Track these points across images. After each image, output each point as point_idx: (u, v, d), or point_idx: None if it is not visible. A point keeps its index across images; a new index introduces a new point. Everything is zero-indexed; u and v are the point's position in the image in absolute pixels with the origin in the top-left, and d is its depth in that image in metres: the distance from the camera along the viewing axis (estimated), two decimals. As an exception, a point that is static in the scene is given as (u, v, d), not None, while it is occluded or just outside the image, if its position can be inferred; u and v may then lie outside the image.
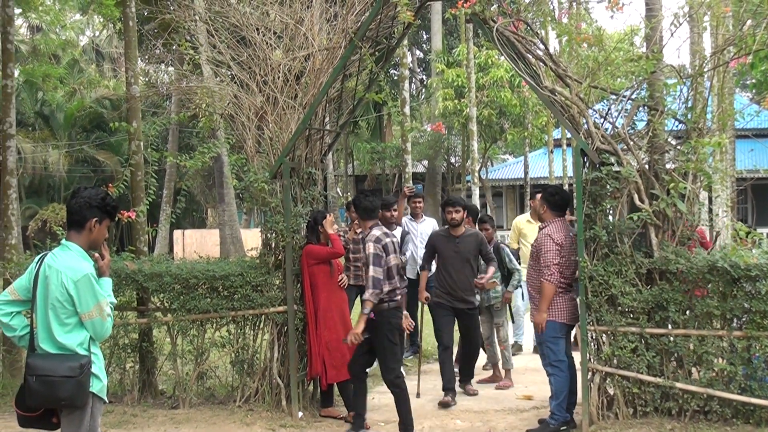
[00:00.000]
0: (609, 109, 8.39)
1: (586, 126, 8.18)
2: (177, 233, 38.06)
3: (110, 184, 9.88)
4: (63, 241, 5.29)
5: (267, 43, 9.44)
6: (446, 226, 9.94)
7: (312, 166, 9.56)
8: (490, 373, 10.87)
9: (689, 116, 8.14)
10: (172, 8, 11.70)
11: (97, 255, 5.37)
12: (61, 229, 8.51)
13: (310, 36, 9.43)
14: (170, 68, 32.07)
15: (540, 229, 8.39)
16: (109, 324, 5.16)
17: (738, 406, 7.69)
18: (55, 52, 41.82)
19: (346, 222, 10.42)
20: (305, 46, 9.46)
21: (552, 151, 28.28)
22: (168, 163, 30.42)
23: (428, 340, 12.26)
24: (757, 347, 7.61)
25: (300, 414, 8.83)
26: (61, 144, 36.83)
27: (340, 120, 10.53)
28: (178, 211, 18.76)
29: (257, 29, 9.48)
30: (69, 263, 5.09)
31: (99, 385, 5.16)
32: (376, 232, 7.97)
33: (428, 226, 12.00)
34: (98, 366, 5.18)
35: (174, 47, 11.76)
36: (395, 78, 30.42)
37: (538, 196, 8.75)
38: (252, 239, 31.49)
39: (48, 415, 5.19)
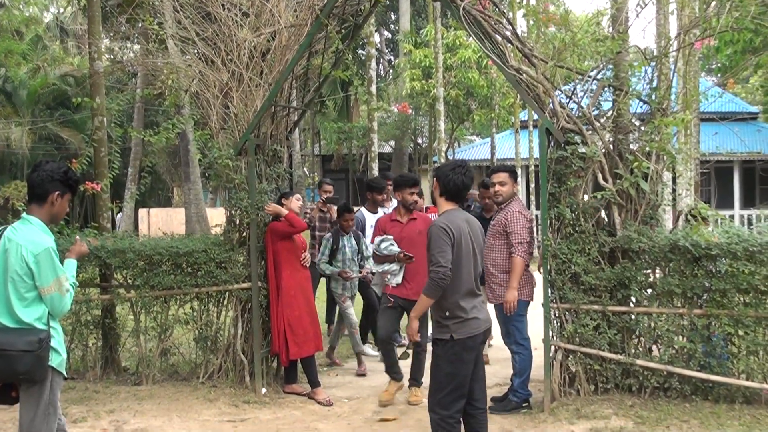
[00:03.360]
0: (574, 89, 8.43)
1: (551, 105, 8.20)
2: (142, 212, 37.73)
3: (73, 160, 9.77)
4: (24, 215, 5.23)
5: (233, 20, 9.36)
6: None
7: (277, 144, 9.51)
8: None
9: (654, 97, 8.19)
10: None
11: (78, 237, 5.35)
12: (23, 205, 8.42)
13: (276, 13, 9.36)
14: (136, 46, 31.75)
15: (501, 208, 8.40)
16: (68, 300, 5.11)
17: (697, 383, 7.80)
18: (18, 28, 41.13)
19: (312, 201, 10.22)
20: (271, 23, 9.38)
21: (518, 132, 28.32)
22: (133, 140, 30.17)
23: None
24: (717, 325, 7.72)
25: (263, 390, 8.82)
26: (24, 121, 36.31)
27: (305, 97, 10.48)
28: (142, 189, 18.58)
29: (223, 5, 9.38)
30: (30, 237, 5.04)
31: (58, 359, 5.11)
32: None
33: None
34: (57, 340, 5.13)
35: (139, 24, 11.62)
36: (362, 58, 30.28)
37: (504, 175, 8.48)
38: (218, 218, 31.24)
39: (6, 389, 5.14)
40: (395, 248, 8.45)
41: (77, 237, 5.62)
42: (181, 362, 9.69)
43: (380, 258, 8.59)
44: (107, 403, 8.60)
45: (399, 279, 8.50)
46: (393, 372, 8.73)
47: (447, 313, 5.95)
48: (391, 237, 8.55)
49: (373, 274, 10.00)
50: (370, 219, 10.55)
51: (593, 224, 8.10)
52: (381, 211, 10.74)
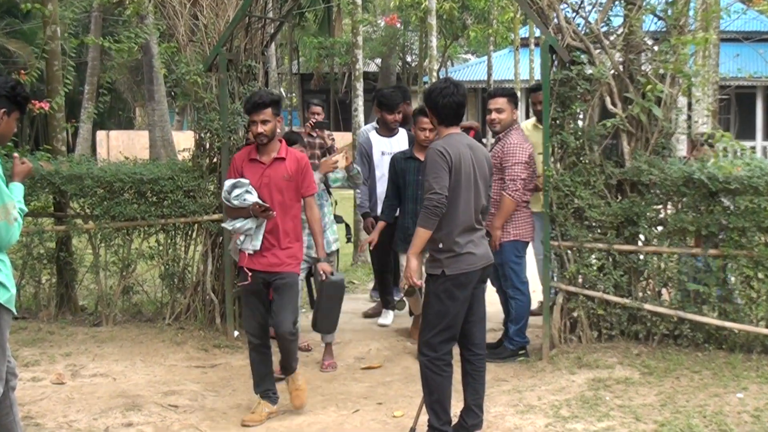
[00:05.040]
0: (582, 2, 8.32)
1: (556, 20, 8.11)
2: (101, 134, 37.45)
3: (22, 71, 9.63)
4: (-37, 135, 5.14)
5: None
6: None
7: (252, 59, 9.39)
8: None
9: (670, 12, 8.09)
10: None
11: (17, 155, 5.26)
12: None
13: None
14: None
15: (499, 138, 8.31)
16: (16, 229, 5.04)
17: (711, 330, 7.84)
18: None
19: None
20: None
21: (518, 50, 28.13)
22: (90, 54, 29.80)
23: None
24: (734, 267, 7.74)
25: (236, 333, 8.83)
26: (-35, 31, 35.83)
27: (283, 7, 10.34)
28: (101, 109, 18.38)
29: None
30: (-29, 160, 4.95)
31: (6, 295, 5.06)
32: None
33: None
34: (5, 274, 5.07)
35: None
36: (347, -36, 29.92)
37: (502, 100, 8.28)
38: (185, 142, 31.01)
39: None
40: (252, 197, 6.78)
41: (15, 155, 5.48)
42: (145, 301, 9.71)
43: (231, 210, 6.92)
44: (63, 345, 8.62)
45: (257, 243, 6.86)
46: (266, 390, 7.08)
47: (440, 245, 5.94)
48: (246, 181, 6.84)
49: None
50: (381, 145, 9.56)
51: (599, 154, 8.07)
52: (395, 138, 9.57)
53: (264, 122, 6.73)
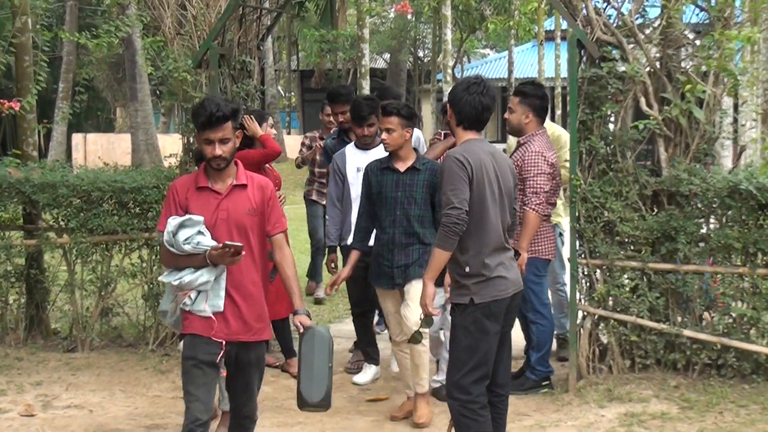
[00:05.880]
0: (614, -9, 8.34)
1: (585, 12, 8.11)
2: (77, 137, 37.52)
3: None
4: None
5: None
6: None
7: (246, 54, 9.43)
8: None
9: (713, 2, 8.10)
10: None
11: None
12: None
13: None
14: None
15: (520, 143, 8.26)
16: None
17: (759, 359, 7.81)
18: None
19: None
20: None
21: (542, 44, 28.21)
22: (65, 48, 29.89)
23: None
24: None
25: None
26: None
27: (281, -3, 10.39)
28: (77, 109, 18.39)
29: None
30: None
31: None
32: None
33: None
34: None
35: None
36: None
37: (515, 99, 8.26)
38: (172, 147, 31.08)
39: None
40: (206, 239, 5.58)
41: None
42: (126, 324, 9.69)
43: (176, 258, 5.63)
44: (33, 373, 8.62)
45: (219, 302, 5.60)
46: None
47: (467, 269, 5.78)
48: (200, 219, 5.62)
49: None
50: (357, 159, 8.59)
51: (633, 161, 8.06)
52: (374, 152, 8.48)
53: (223, 141, 5.58)
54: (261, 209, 5.76)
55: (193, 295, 5.55)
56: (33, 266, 9.62)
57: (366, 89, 16.01)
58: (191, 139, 9.13)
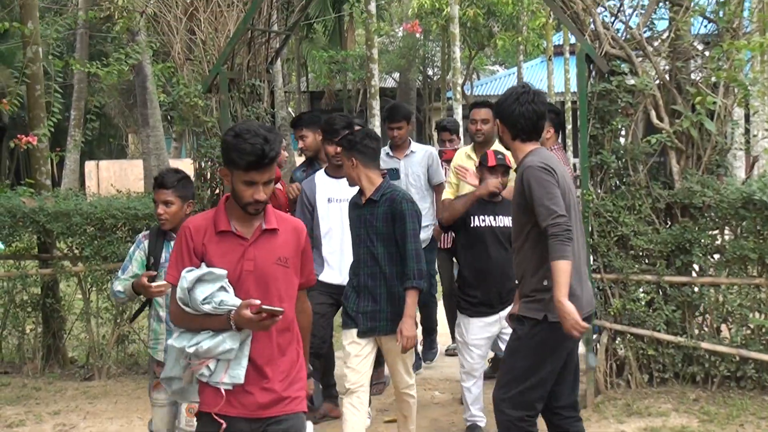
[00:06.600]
0: (621, 4, 8.33)
1: (592, 26, 8.12)
2: (90, 165, 37.69)
3: (3, 100, 9.70)
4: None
5: None
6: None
7: (256, 77, 9.44)
8: None
9: (721, 13, 8.09)
10: None
11: None
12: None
13: None
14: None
15: None
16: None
17: (778, 370, 7.78)
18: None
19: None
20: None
21: (551, 60, 28.19)
22: (76, 76, 29.96)
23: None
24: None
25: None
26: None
27: (289, 20, 10.40)
28: (89, 136, 18.47)
29: None
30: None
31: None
32: None
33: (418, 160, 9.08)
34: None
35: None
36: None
37: None
38: (184, 171, 31.09)
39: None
40: (231, 299, 4.43)
41: None
42: (142, 352, 9.68)
43: (191, 319, 4.50)
44: (51, 402, 8.61)
45: (240, 372, 4.46)
46: None
47: (546, 282, 5.39)
48: (222, 272, 4.48)
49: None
50: (328, 189, 7.73)
51: (645, 174, 8.05)
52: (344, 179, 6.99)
53: (267, 183, 4.51)
54: (294, 258, 4.68)
55: (212, 364, 4.43)
56: (49, 295, 9.65)
57: (376, 109, 15.98)
58: (202, 163, 9.13)
